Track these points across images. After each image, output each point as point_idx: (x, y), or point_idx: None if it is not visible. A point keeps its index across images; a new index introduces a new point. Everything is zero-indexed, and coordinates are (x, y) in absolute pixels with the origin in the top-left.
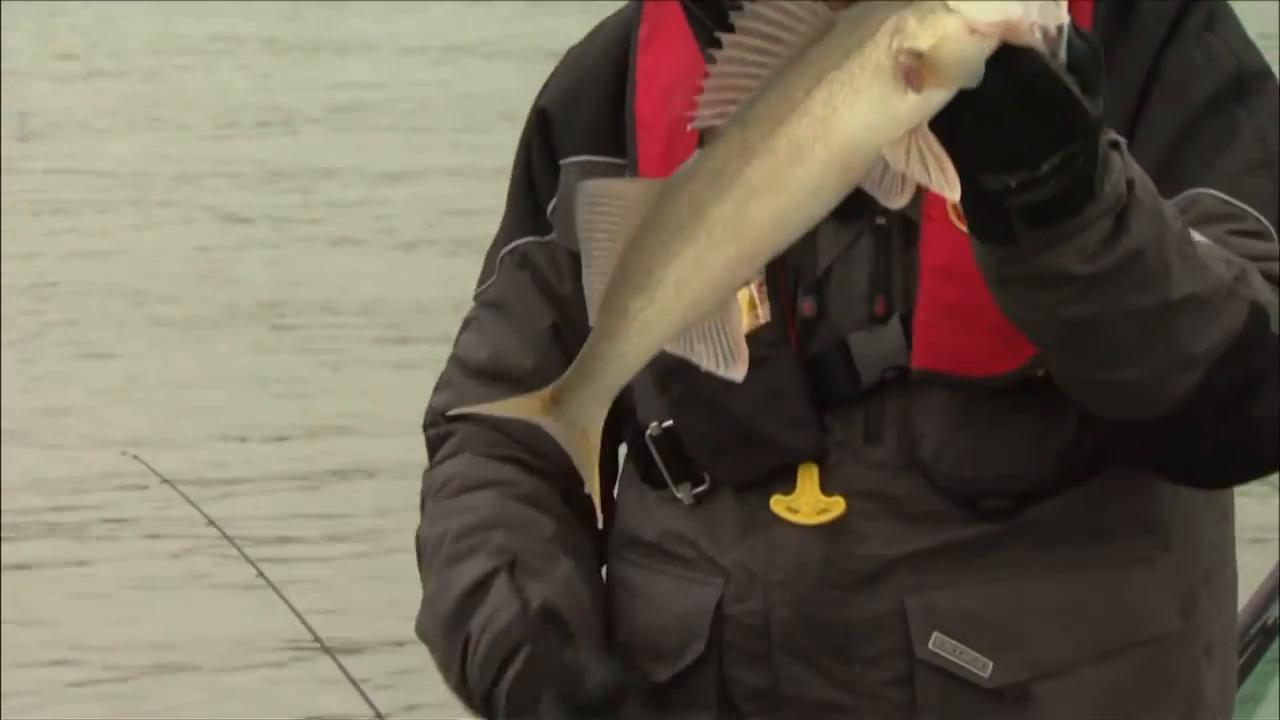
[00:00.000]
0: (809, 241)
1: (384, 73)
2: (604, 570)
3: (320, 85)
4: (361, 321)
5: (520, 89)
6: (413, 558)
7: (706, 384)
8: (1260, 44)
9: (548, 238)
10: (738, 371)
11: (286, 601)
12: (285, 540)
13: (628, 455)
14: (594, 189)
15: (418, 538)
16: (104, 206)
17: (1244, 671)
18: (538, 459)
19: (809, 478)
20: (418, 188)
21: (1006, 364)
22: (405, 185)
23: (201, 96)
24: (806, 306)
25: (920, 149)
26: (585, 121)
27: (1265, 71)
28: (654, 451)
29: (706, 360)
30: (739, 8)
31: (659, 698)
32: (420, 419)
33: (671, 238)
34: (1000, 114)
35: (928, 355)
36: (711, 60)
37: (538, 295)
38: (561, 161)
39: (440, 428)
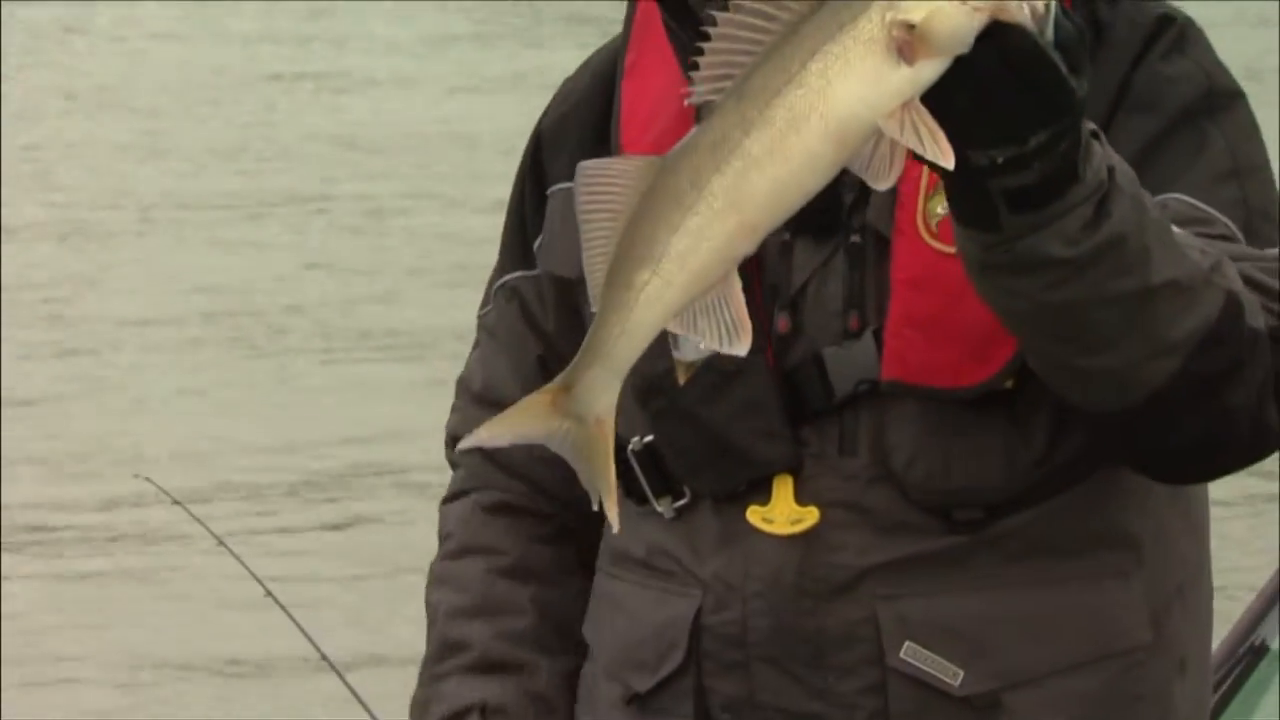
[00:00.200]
0: (785, 259)
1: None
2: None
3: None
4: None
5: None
6: (421, 578)
7: (685, 398)
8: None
9: (535, 272)
10: (742, 346)
11: (295, 621)
12: (295, 554)
13: None
14: (592, 168)
15: (426, 594)
16: (110, 232)
17: (1233, 690)
18: (535, 495)
19: (784, 488)
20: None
21: (974, 376)
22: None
23: (206, 129)
24: (782, 322)
25: (914, 121)
26: (572, 149)
27: (1236, 91)
28: (635, 466)
29: (710, 336)
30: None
31: (640, 707)
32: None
33: (672, 210)
34: (990, 89)
35: (897, 367)
36: (706, 37)
37: (525, 328)
38: (548, 190)
39: (451, 453)
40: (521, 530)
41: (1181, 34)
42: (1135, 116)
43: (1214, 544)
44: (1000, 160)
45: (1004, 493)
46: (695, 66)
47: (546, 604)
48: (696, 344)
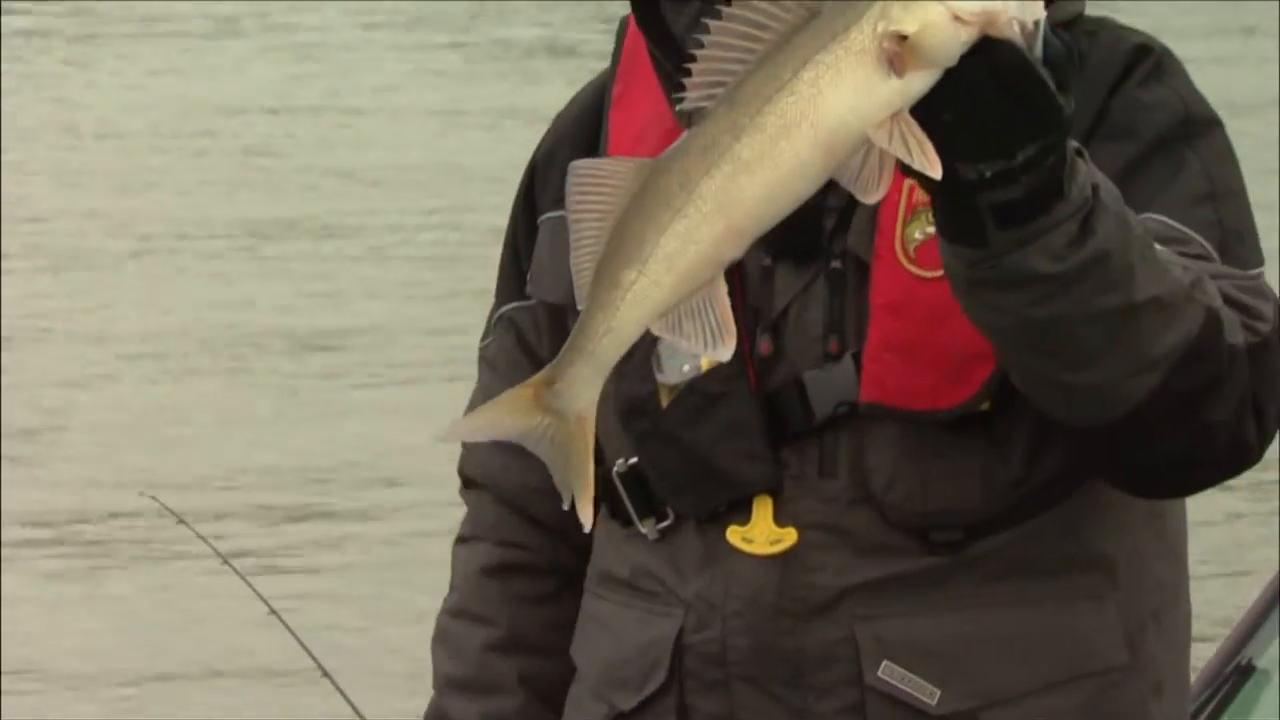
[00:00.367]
0: (767, 284)
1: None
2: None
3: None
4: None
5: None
6: (425, 596)
7: (667, 420)
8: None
9: (530, 302)
10: (726, 349)
11: (296, 637)
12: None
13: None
14: (584, 167)
15: (431, 640)
16: (117, 258)
17: (1220, 709)
18: (531, 537)
19: (763, 509)
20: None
21: (951, 398)
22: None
23: (206, 158)
24: (764, 346)
25: (903, 132)
26: (559, 180)
27: (1212, 118)
28: (620, 488)
29: (695, 339)
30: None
31: None
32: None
33: (662, 211)
34: (979, 102)
35: (876, 390)
36: (699, 45)
37: (522, 356)
38: (539, 219)
39: (461, 484)
40: (516, 593)
41: (1159, 63)
42: (1113, 143)
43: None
44: (988, 174)
45: (982, 514)
46: (687, 74)
47: (536, 678)
48: (679, 367)
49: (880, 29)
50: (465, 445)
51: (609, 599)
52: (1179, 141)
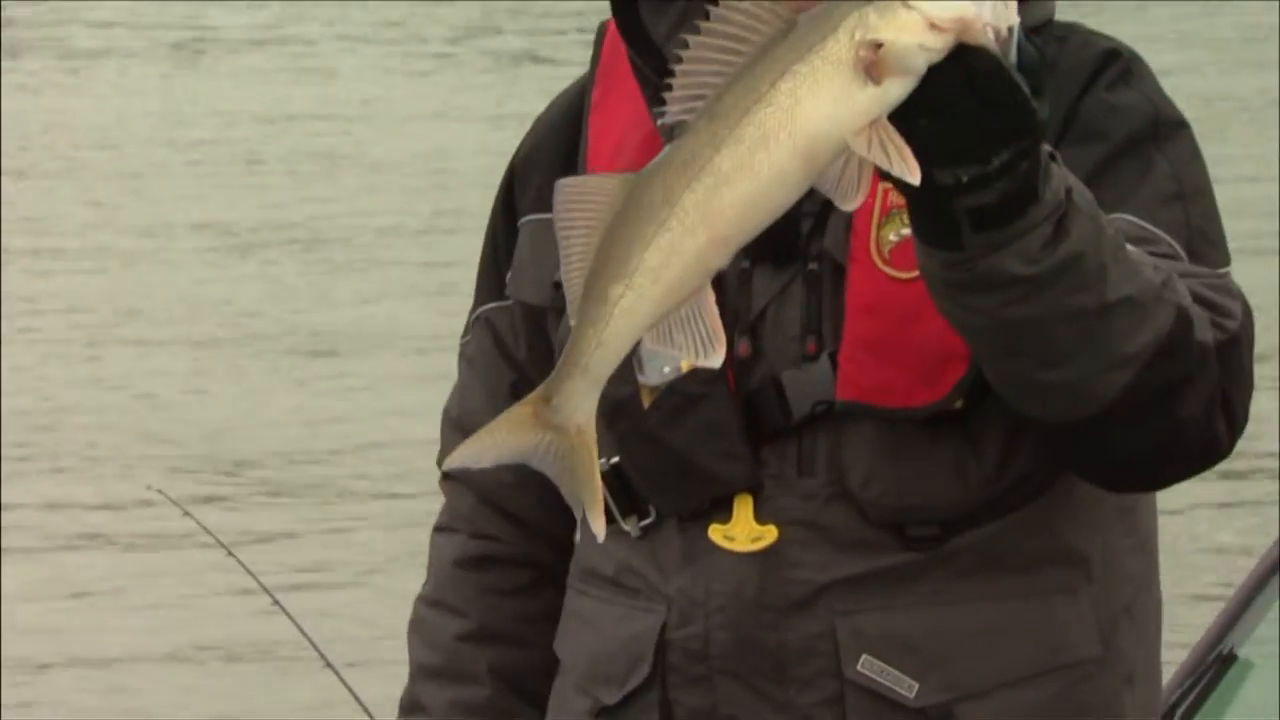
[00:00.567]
0: (744, 286)
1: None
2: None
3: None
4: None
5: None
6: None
7: (649, 420)
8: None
9: (507, 302)
10: (716, 357)
11: (303, 631)
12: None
13: None
14: (569, 185)
15: (408, 626)
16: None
17: (1201, 699)
18: (508, 531)
19: (744, 507)
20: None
21: (925, 396)
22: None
23: (206, 152)
24: (743, 347)
25: (881, 139)
26: (540, 182)
27: (1180, 120)
28: (603, 486)
29: (686, 348)
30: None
31: (609, 719)
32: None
33: (646, 225)
34: (954, 108)
35: (852, 388)
36: (678, 60)
37: (498, 357)
38: (519, 222)
39: (440, 476)
40: (488, 585)
41: (1127, 67)
42: (1083, 145)
43: None
44: (964, 179)
45: (957, 510)
46: (668, 88)
47: (507, 669)
48: (660, 368)
49: (857, 37)
50: (443, 438)
51: (592, 595)
52: (1148, 143)
